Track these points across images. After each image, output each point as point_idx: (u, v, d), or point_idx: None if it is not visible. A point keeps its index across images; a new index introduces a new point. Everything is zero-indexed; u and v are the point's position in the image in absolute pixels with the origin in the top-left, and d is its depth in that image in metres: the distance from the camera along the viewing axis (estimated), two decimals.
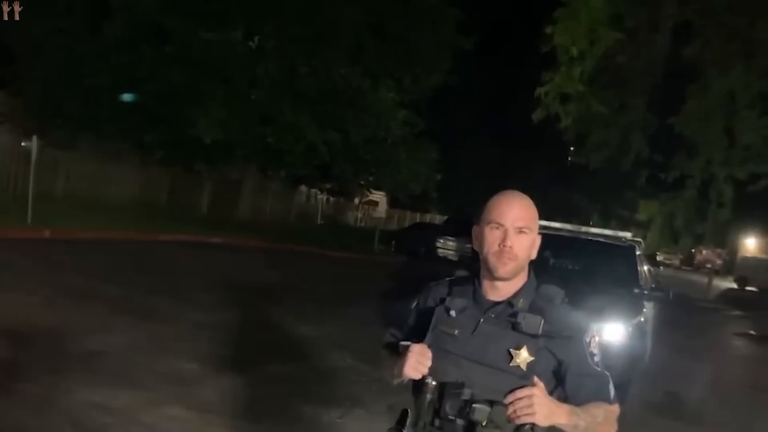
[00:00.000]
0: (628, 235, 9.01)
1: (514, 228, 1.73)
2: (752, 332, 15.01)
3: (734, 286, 33.11)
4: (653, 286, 8.32)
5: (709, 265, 43.28)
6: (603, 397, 1.74)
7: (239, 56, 17.81)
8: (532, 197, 1.82)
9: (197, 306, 7.99)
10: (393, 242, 22.45)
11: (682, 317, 14.39)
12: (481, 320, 1.75)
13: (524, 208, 1.77)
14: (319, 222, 28.84)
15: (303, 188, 29.25)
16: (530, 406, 1.59)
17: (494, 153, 38.77)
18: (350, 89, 19.25)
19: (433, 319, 1.81)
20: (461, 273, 1.92)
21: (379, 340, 2.09)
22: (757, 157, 15.42)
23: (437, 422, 1.70)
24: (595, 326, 1.80)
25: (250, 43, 18.86)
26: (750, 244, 44.39)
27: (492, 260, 1.75)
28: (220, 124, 17.39)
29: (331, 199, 31.60)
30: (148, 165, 19.47)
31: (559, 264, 7.79)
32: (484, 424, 1.62)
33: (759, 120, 15.11)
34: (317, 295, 10.75)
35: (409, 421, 1.74)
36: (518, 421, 1.61)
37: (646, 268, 8.90)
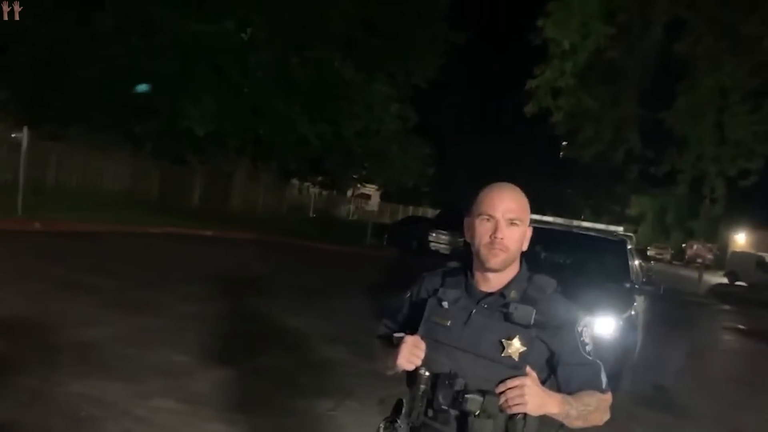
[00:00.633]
0: (619, 229, 9.05)
1: (505, 219, 1.73)
2: (741, 327, 15.15)
3: (724, 281, 33.34)
4: (644, 280, 8.36)
5: (699, 260, 43.48)
6: (595, 386, 1.74)
7: (231, 47, 17.73)
8: (523, 191, 1.82)
9: (188, 298, 7.96)
10: (385, 236, 22.45)
11: (672, 312, 14.48)
12: (474, 311, 1.75)
13: (515, 199, 1.77)
14: (311, 215, 28.81)
15: (295, 181, 29.21)
16: (522, 395, 1.60)
17: (486, 147, 38.84)
18: (342, 82, 19.22)
19: (426, 311, 1.81)
20: (453, 264, 1.92)
21: (370, 332, 2.09)
22: (748, 153, 15.52)
23: (430, 412, 1.70)
24: (586, 321, 1.80)
25: (243, 35, 18.78)
26: (740, 239, 44.70)
27: (483, 252, 1.75)
28: (211, 115, 17.33)
29: (323, 192, 31.57)
30: (139, 157, 19.38)
31: (551, 258, 7.80)
32: (476, 414, 1.62)
33: (749, 116, 15.19)
34: (308, 288, 10.74)
35: (403, 411, 1.74)
36: (510, 411, 1.61)
37: (637, 262, 8.93)
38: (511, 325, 1.69)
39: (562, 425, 1.73)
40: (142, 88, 17.39)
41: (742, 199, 17.84)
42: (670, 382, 7.94)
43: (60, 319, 5.97)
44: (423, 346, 1.71)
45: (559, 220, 8.95)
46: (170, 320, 6.76)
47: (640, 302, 7.54)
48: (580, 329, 1.76)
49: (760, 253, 34.87)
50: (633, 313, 6.80)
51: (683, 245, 51.04)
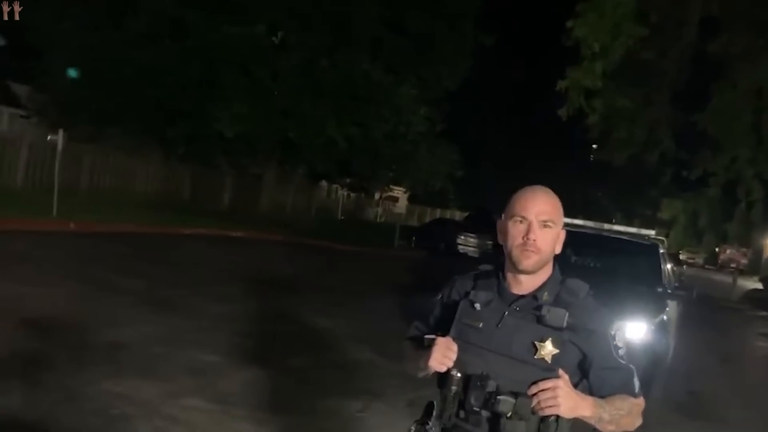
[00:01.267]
0: (651, 233, 8.95)
1: (538, 221, 1.73)
2: None
3: (759, 286, 32.61)
4: (676, 285, 8.25)
5: (733, 265, 42.74)
6: (628, 390, 1.73)
7: (261, 50, 17.88)
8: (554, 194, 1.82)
9: (218, 298, 8.05)
10: (413, 238, 22.44)
11: (705, 317, 14.23)
12: (506, 313, 1.75)
13: (548, 202, 1.77)
14: (339, 217, 28.91)
15: (323, 183, 29.35)
16: (554, 398, 1.59)
17: (515, 150, 38.65)
18: (371, 84, 19.26)
19: (458, 312, 1.81)
20: (486, 267, 1.91)
21: (399, 334, 2.09)
22: None
23: (462, 414, 1.71)
24: (619, 325, 1.78)
25: (273, 38, 18.94)
26: None
27: (515, 253, 1.75)
28: (241, 118, 17.50)
29: (352, 194, 31.67)
30: (171, 160, 19.65)
31: (582, 261, 7.72)
32: (508, 415, 1.62)
33: None
34: (337, 289, 10.78)
35: (434, 413, 1.74)
36: (542, 413, 1.61)
37: (669, 266, 8.81)
38: (544, 327, 1.69)
39: (594, 429, 1.72)
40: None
41: None
42: (703, 389, 7.81)
43: (93, 319, 6.08)
44: (455, 347, 1.71)
45: (590, 224, 8.87)
46: (201, 320, 6.83)
47: (672, 307, 7.43)
48: (612, 333, 1.74)
49: None
50: (665, 318, 6.70)
51: (716, 249, 50.17)
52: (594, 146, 22.04)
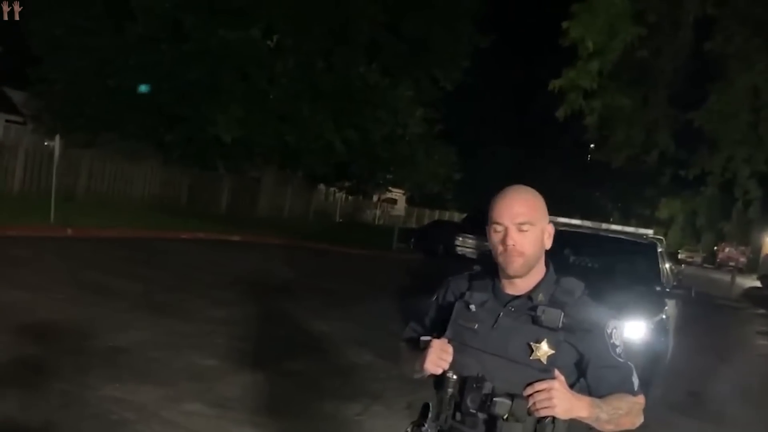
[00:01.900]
0: (649, 232, 8.95)
1: (514, 225, 1.72)
2: None
3: (758, 284, 32.62)
4: (675, 284, 8.24)
5: (732, 263, 42.75)
6: (626, 389, 1.72)
7: (258, 54, 17.90)
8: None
9: (216, 303, 8.04)
10: (411, 240, 22.39)
11: (704, 316, 14.22)
12: (501, 314, 1.74)
13: (522, 203, 1.75)
14: (337, 220, 28.89)
15: (321, 187, 29.34)
16: (550, 399, 1.58)
17: (513, 151, 38.66)
18: (367, 87, 19.27)
19: (453, 314, 1.81)
20: (480, 268, 1.91)
21: (397, 337, 2.09)
22: None
23: (458, 416, 1.70)
24: (616, 323, 1.77)
25: (269, 42, 18.95)
26: None
27: (500, 260, 1.75)
28: (239, 122, 17.51)
29: (350, 197, 31.66)
30: (168, 164, 19.64)
31: (580, 261, 7.72)
32: (505, 417, 1.61)
33: None
34: (335, 292, 10.77)
35: (430, 415, 1.73)
36: (538, 414, 1.60)
37: (667, 265, 8.81)
38: (539, 328, 1.68)
39: (590, 428, 1.71)
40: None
41: None
42: (702, 388, 7.80)
43: (92, 323, 6.07)
44: (450, 349, 1.71)
45: (588, 224, 8.87)
46: (200, 324, 6.82)
47: (671, 306, 7.43)
48: (609, 331, 1.73)
49: None
50: (664, 317, 6.70)
51: (715, 248, 50.18)
52: (591, 146, 22.06)
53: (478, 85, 24.65)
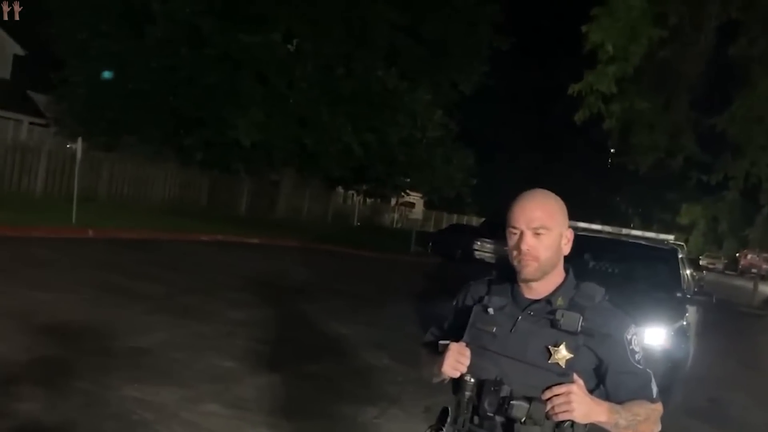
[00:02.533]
0: (670, 238, 8.87)
1: (530, 230, 1.72)
2: None
3: None
4: (696, 290, 8.16)
5: (754, 270, 42.14)
6: (645, 395, 1.71)
7: (278, 58, 18.01)
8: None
9: (235, 304, 8.09)
10: (429, 244, 22.40)
11: (725, 323, 14.06)
12: (520, 318, 1.74)
13: (540, 207, 1.75)
14: (355, 223, 28.95)
15: (339, 190, 29.42)
16: (569, 402, 1.58)
17: (533, 155, 38.50)
18: (386, 90, 19.32)
19: (472, 317, 1.81)
20: (499, 272, 1.90)
21: (415, 340, 2.10)
22: None
23: (476, 419, 1.70)
24: (636, 329, 1.76)
25: (289, 46, 19.06)
26: None
27: (516, 264, 1.75)
28: (258, 126, 17.62)
29: (368, 200, 31.71)
30: (188, 167, 19.81)
31: (600, 266, 7.67)
32: (522, 420, 1.61)
33: None
34: (353, 295, 10.79)
35: (448, 419, 1.73)
36: (557, 418, 1.60)
37: (688, 272, 8.72)
38: (558, 331, 1.68)
39: None
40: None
41: None
42: (724, 395, 7.72)
43: (113, 325, 6.13)
44: (468, 353, 1.71)
45: (609, 228, 8.80)
46: (219, 326, 6.87)
47: (692, 313, 7.36)
48: (629, 337, 1.72)
49: None
50: (684, 323, 6.64)
51: (737, 255, 49.52)
52: (612, 151, 21.91)
53: (497, 88, 24.58)
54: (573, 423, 1.61)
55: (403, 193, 30.59)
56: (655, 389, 1.73)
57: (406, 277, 15.79)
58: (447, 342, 1.76)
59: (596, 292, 1.76)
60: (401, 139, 20.49)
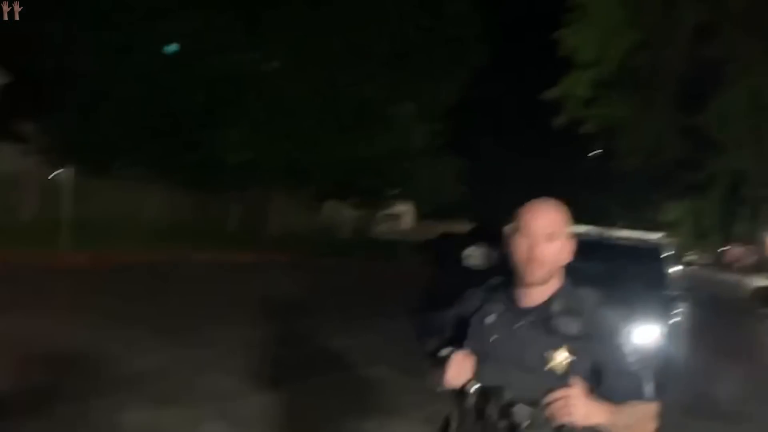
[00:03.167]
0: (656, 236, 8.98)
1: (541, 235, 1.80)
2: None
3: (767, 283, 32.44)
4: (684, 286, 8.28)
5: (739, 263, 42.59)
6: (640, 396, 1.79)
7: (263, 76, 18.09)
8: (560, 203, 1.89)
9: (232, 324, 8.13)
10: (420, 253, 22.46)
11: (714, 317, 14.19)
12: (518, 324, 1.81)
13: (550, 215, 1.84)
14: (346, 235, 28.97)
15: (329, 203, 29.43)
16: (568, 406, 1.65)
17: (521, 160, 38.75)
18: (371, 104, 19.45)
19: (472, 326, 1.88)
20: (497, 280, 1.98)
21: (411, 350, 2.17)
22: None
23: (480, 425, 1.77)
24: (627, 328, 1.85)
25: (273, 63, 19.16)
26: None
27: (521, 267, 1.82)
28: (245, 144, 17.66)
29: (358, 212, 31.71)
30: (178, 188, 19.76)
31: (588, 268, 7.73)
32: (525, 425, 1.68)
33: None
34: (348, 308, 10.83)
35: (452, 426, 1.80)
36: (558, 422, 1.67)
37: (676, 269, 8.85)
38: (556, 337, 1.75)
39: None
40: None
41: None
42: (716, 389, 7.83)
43: (110, 349, 6.16)
44: (471, 361, 1.78)
45: (596, 229, 8.91)
46: (218, 346, 6.92)
47: (681, 309, 7.48)
48: (623, 340, 1.80)
49: None
50: (674, 320, 6.76)
51: (722, 249, 49.89)
52: (591, 153, 22.13)
53: (483, 95, 24.78)
54: (573, 426, 1.67)
55: (391, 204, 30.68)
56: (650, 389, 1.81)
57: (398, 287, 15.81)
58: (449, 351, 1.83)
59: (591, 297, 1.85)
60: (389, 151, 20.61)
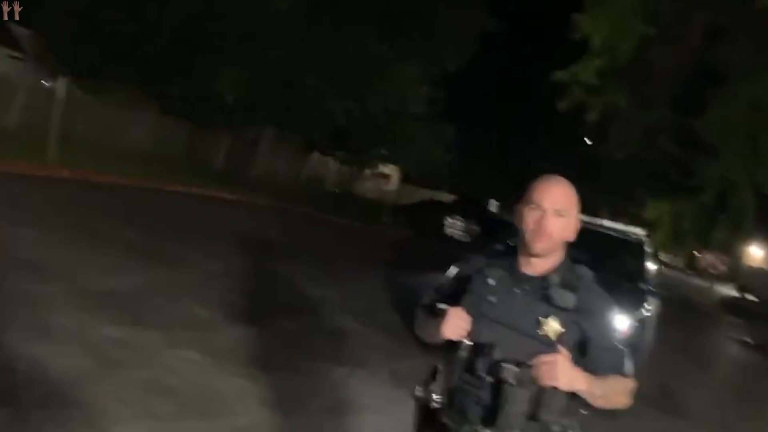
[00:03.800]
0: (639, 230, 9.10)
1: (552, 210, 1.87)
2: (748, 340, 15.15)
3: (735, 293, 33.12)
4: (658, 283, 8.43)
5: (711, 270, 43.37)
6: (621, 371, 1.89)
7: (267, 15, 17.76)
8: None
9: (210, 255, 8.15)
10: (402, 216, 22.53)
11: (681, 317, 14.53)
12: (517, 290, 1.89)
13: (563, 192, 1.91)
14: (330, 188, 28.94)
15: (316, 154, 29.27)
16: (554, 371, 1.72)
17: (511, 138, 38.69)
18: (373, 59, 19.23)
19: (472, 286, 1.95)
20: (500, 246, 2.06)
21: (384, 307, 2.23)
22: None
23: (468, 377, 1.85)
24: (616, 310, 1.92)
25: (280, 4, 18.79)
26: (756, 253, 44.26)
27: (529, 237, 1.89)
28: (242, 82, 17.41)
29: (344, 167, 31.61)
30: (168, 116, 19.52)
31: (574, 252, 7.85)
32: (511, 382, 1.75)
33: None
34: (325, 259, 10.92)
35: (440, 375, 1.87)
36: (542, 383, 1.74)
37: (652, 265, 8.99)
38: (551, 306, 1.83)
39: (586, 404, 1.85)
40: None
41: (763, 214, 17.67)
42: (673, 385, 8.06)
43: (90, 266, 6.15)
44: (467, 317, 1.85)
45: (584, 217, 8.99)
46: (194, 275, 6.96)
47: (652, 304, 7.62)
48: (611, 317, 1.90)
49: None
50: (646, 314, 6.90)
51: (697, 254, 50.68)
52: (587, 141, 22.20)
53: (483, 69, 24.62)
54: (555, 389, 1.74)
55: (380, 164, 30.60)
56: (629, 366, 1.90)
57: (377, 246, 15.93)
58: (446, 306, 1.90)
59: (587, 274, 1.95)
60: (384, 110, 20.48)
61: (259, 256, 9.10)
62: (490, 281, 1.91)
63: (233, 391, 4.22)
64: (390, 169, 33.83)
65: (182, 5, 17.04)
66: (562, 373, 1.73)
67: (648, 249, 8.44)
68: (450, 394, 1.90)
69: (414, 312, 2.14)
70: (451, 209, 22.41)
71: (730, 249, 41.30)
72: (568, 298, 1.82)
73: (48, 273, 5.54)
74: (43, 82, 16.76)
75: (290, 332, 5.87)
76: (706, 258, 48.02)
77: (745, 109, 14.96)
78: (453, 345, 1.87)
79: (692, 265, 49.61)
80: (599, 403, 1.84)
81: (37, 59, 17.31)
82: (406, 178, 35.15)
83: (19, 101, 15.19)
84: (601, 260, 7.67)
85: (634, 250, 8.07)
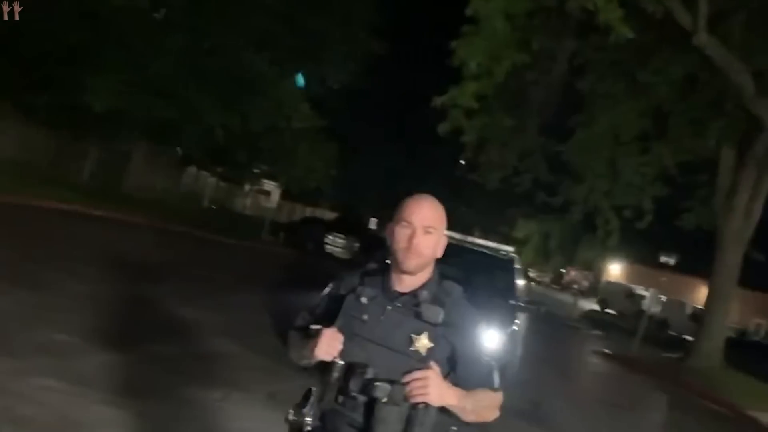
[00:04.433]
0: (509, 249, 9.51)
1: (422, 227, 1.91)
2: (607, 351, 16.19)
3: (596, 307, 35.35)
4: (527, 299, 8.83)
5: (575, 286, 46.12)
6: (489, 385, 1.94)
7: (143, 25, 17.11)
8: None
9: (77, 277, 7.68)
10: (281, 234, 22.31)
11: (548, 332, 15.32)
12: (388, 308, 1.91)
13: (432, 210, 1.96)
14: (206, 205, 28.17)
15: (192, 169, 28.41)
16: (425, 386, 1.75)
17: (392, 158, 39.44)
18: (255, 74, 19.00)
19: (345, 305, 1.95)
20: (372, 265, 2.06)
21: (262, 328, 2.20)
22: (638, 191, 16.62)
23: (341, 399, 1.84)
24: (484, 325, 2.00)
25: (156, 14, 18.20)
26: (615, 270, 47.43)
27: (400, 255, 1.92)
28: (114, 92, 16.61)
29: (221, 183, 30.89)
30: (31, 126, 18.23)
31: (443, 270, 8.06)
32: (383, 400, 1.76)
33: (638, 158, 16.29)
34: (202, 279, 10.57)
35: (311, 399, 1.85)
36: (414, 400, 1.77)
37: (522, 282, 9.41)
38: (421, 322, 1.86)
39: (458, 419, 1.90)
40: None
41: (623, 235, 19.10)
42: (543, 398, 8.45)
43: None
44: (340, 338, 1.84)
45: (454, 234, 9.27)
46: (58, 298, 6.51)
47: (521, 319, 7.97)
48: (479, 332, 1.96)
49: (630, 285, 37.17)
50: (515, 329, 7.20)
51: (562, 271, 53.60)
52: (462, 162, 23.00)
53: (368, 89, 25.01)
54: (427, 405, 1.77)
55: (259, 180, 30.16)
56: (497, 379, 1.98)
57: (256, 264, 15.67)
58: (319, 327, 1.88)
59: (455, 289, 1.99)
60: (266, 126, 20.25)
61: (130, 277, 8.68)
62: (363, 300, 1.92)
63: (96, 420, 3.99)
64: (270, 186, 33.42)
65: (51, 9, 16.07)
66: (433, 388, 1.76)
67: (518, 266, 8.83)
68: (323, 418, 1.88)
69: (287, 335, 2.12)
70: (331, 227, 22.49)
71: (592, 267, 44.14)
72: (437, 313, 1.86)
73: None
74: None
75: (161, 357, 5.61)
76: (572, 275, 50.92)
77: (605, 134, 16.11)
78: (327, 366, 1.85)
79: (558, 281, 52.45)
80: (469, 417, 1.89)
81: None
82: (286, 195, 34.87)
83: None
84: (473, 277, 8.00)
85: (504, 268, 8.43)
